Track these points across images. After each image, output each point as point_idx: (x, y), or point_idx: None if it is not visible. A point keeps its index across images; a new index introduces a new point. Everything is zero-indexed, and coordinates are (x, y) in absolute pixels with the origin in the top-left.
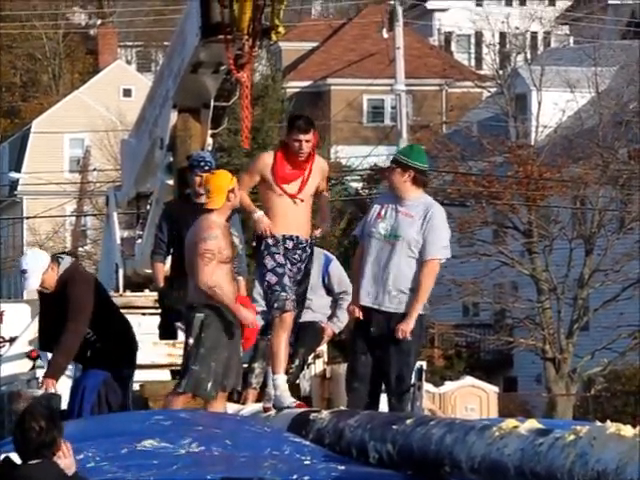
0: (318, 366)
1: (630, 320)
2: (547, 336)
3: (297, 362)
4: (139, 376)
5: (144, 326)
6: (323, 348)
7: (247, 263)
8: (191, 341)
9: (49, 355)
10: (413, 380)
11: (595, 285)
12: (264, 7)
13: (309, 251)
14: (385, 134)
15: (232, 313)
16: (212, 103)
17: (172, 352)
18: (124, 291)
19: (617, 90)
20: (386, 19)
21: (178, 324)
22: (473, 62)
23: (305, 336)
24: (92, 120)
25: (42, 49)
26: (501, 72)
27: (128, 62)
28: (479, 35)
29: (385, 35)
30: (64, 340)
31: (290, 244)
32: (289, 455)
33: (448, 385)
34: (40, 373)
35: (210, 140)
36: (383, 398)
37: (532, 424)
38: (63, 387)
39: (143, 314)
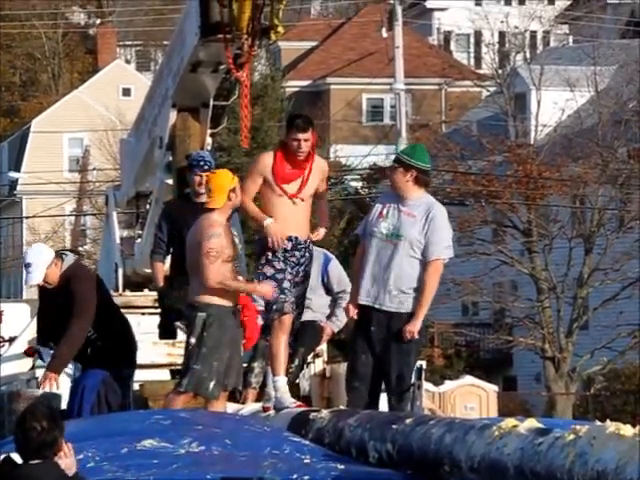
0: (318, 365)
1: (629, 319)
2: (547, 335)
3: (297, 361)
4: (139, 376)
5: (144, 326)
6: (323, 347)
7: (247, 263)
8: (193, 340)
9: (48, 351)
10: (413, 379)
11: (595, 284)
12: (263, 6)
13: (308, 252)
14: (384, 133)
15: (237, 311)
16: (211, 102)
17: (172, 352)
18: (124, 290)
19: (616, 89)
20: (385, 18)
21: (178, 324)
22: (472, 61)
23: (305, 335)
24: (91, 119)
25: (41, 48)
26: (500, 71)
27: (127, 61)
28: (478, 34)
29: (384, 34)
30: (69, 335)
31: (289, 245)
32: (289, 454)
33: (448, 384)
34: (40, 373)
35: (209, 139)
36: (383, 397)
37: (532, 423)
38: (63, 387)
39: (143, 314)
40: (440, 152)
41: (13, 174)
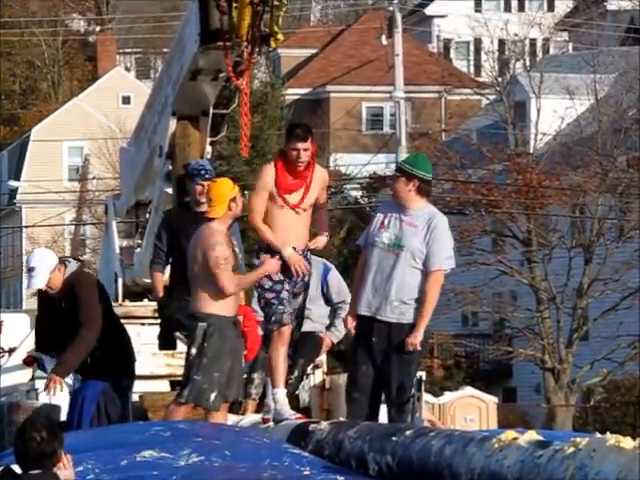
0: (317, 377)
1: (629, 330)
2: (546, 346)
3: (296, 373)
4: (138, 387)
5: (143, 336)
6: (322, 358)
7: (246, 272)
8: (193, 351)
9: (49, 359)
10: (412, 391)
11: (594, 294)
12: (263, 14)
13: (307, 262)
14: (384, 142)
15: (239, 314)
16: (211, 110)
17: (171, 362)
18: (123, 301)
19: (616, 97)
20: (385, 26)
21: (177, 334)
22: (472, 69)
23: (304, 347)
24: (91, 128)
25: (41, 56)
26: (500, 79)
27: (127, 69)
28: (478, 42)
29: (384, 42)
30: (78, 341)
31: None
32: (288, 466)
33: (447, 395)
34: (39, 383)
35: (209, 148)
36: (382, 409)
37: (532, 436)
38: (62, 398)
39: (142, 324)
40: (440, 161)
41: (13, 183)
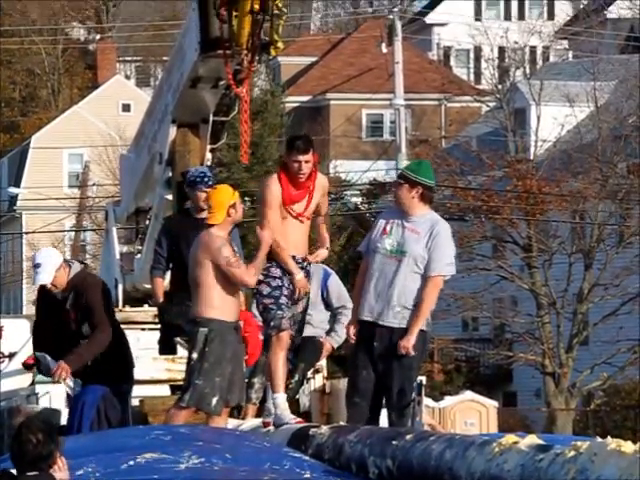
0: (317, 381)
1: (629, 334)
2: (547, 351)
3: (297, 377)
4: (138, 391)
5: (143, 341)
6: (322, 363)
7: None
8: (194, 355)
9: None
10: (413, 395)
11: (594, 299)
12: (263, 22)
13: (306, 269)
14: (384, 149)
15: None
16: (211, 118)
17: (171, 367)
18: (123, 306)
19: (616, 104)
20: (385, 34)
21: (178, 339)
22: (472, 77)
23: (305, 351)
24: (91, 135)
25: (41, 64)
26: (500, 87)
27: (127, 77)
28: (478, 50)
29: (384, 50)
30: (93, 339)
31: None
32: (289, 470)
33: (448, 400)
34: (40, 388)
35: (209, 155)
36: (383, 413)
37: (532, 440)
38: (62, 403)
39: (142, 329)
40: (440, 167)
41: (13, 190)
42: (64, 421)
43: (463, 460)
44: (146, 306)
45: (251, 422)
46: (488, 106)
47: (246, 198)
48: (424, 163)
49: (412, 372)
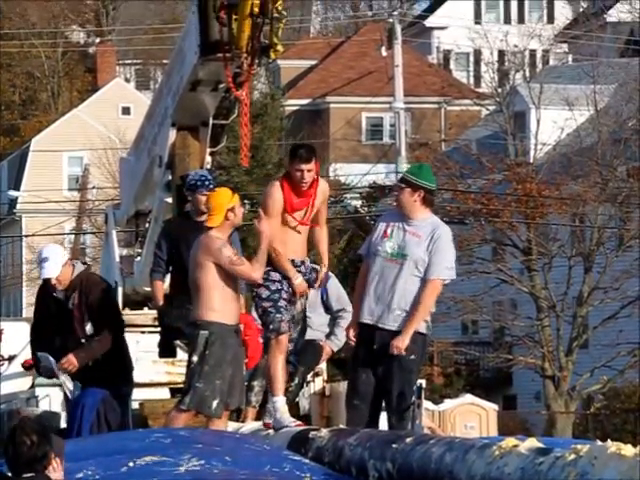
0: (317, 384)
1: (629, 338)
2: (546, 354)
3: (296, 380)
4: (138, 394)
5: (143, 344)
6: (322, 366)
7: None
8: (195, 358)
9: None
10: (413, 398)
11: (594, 303)
12: (263, 25)
13: (304, 272)
14: (384, 152)
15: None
16: (211, 121)
17: (171, 370)
18: (123, 309)
19: (616, 108)
20: (385, 37)
21: (177, 342)
22: (472, 80)
23: (304, 354)
24: (91, 138)
25: (41, 67)
26: (500, 90)
27: (127, 80)
28: (478, 53)
29: (384, 53)
30: (100, 341)
31: None
32: (289, 473)
33: (447, 403)
34: (40, 391)
35: (209, 158)
36: (382, 416)
37: (532, 443)
38: (61, 405)
39: (142, 332)
40: (440, 171)
41: (12, 193)
42: (63, 424)
43: (463, 463)
44: (146, 309)
45: (251, 425)
46: (488, 109)
47: (246, 201)
48: (425, 166)
49: (412, 375)
